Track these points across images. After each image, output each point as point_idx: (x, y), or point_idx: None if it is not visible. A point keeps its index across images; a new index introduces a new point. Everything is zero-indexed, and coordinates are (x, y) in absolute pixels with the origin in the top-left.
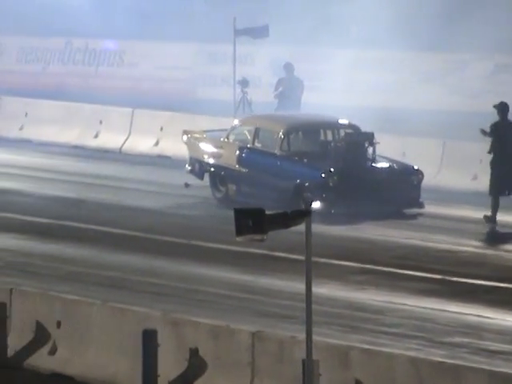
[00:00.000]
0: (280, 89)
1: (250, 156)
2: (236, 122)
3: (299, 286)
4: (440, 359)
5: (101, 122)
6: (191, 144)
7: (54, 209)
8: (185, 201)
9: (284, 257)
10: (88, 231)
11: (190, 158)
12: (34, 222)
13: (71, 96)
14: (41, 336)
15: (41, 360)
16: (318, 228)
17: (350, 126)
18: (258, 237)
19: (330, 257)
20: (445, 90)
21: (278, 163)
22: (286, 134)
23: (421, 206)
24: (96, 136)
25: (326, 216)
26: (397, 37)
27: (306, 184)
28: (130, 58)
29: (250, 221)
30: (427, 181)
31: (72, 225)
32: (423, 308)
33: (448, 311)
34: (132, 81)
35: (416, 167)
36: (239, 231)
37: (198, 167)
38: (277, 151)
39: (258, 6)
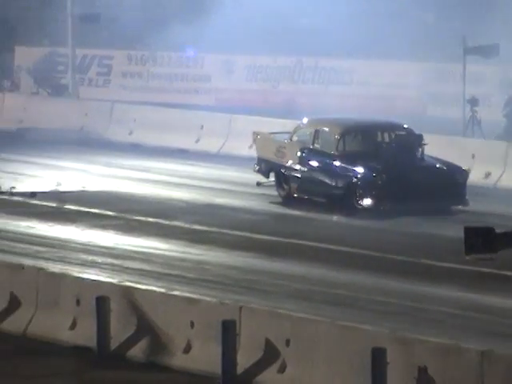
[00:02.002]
0: (508, 108)
1: (310, 156)
2: (305, 121)
3: None
4: None
5: None
6: (259, 145)
7: (280, 226)
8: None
9: None
10: (314, 248)
11: (258, 158)
12: (259, 239)
13: (300, 114)
14: (270, 354)
15: (270, 378)
16: None
17: (402, 128)
18: (487, 256)
19: None
20: None
21: (334, 162)
22: (342, 135)
23: (466, 203)
24: None
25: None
26: None
27: (359, 182)
28: (359, 76)
29: (480, 240)
30: None
31: (298, 242)
32: None
33: None
34: (361, 99)
35: (463, 167)
36: (468, 250)
37: (264, 166)
38: (333, 151)
39: (487, 25)
